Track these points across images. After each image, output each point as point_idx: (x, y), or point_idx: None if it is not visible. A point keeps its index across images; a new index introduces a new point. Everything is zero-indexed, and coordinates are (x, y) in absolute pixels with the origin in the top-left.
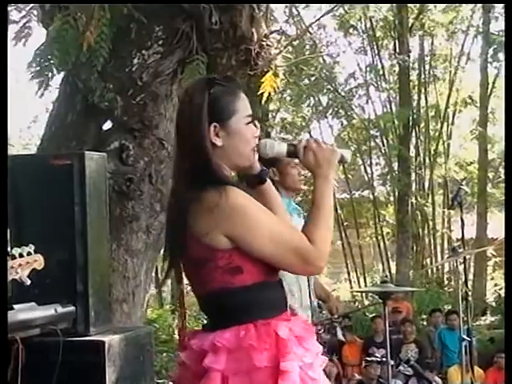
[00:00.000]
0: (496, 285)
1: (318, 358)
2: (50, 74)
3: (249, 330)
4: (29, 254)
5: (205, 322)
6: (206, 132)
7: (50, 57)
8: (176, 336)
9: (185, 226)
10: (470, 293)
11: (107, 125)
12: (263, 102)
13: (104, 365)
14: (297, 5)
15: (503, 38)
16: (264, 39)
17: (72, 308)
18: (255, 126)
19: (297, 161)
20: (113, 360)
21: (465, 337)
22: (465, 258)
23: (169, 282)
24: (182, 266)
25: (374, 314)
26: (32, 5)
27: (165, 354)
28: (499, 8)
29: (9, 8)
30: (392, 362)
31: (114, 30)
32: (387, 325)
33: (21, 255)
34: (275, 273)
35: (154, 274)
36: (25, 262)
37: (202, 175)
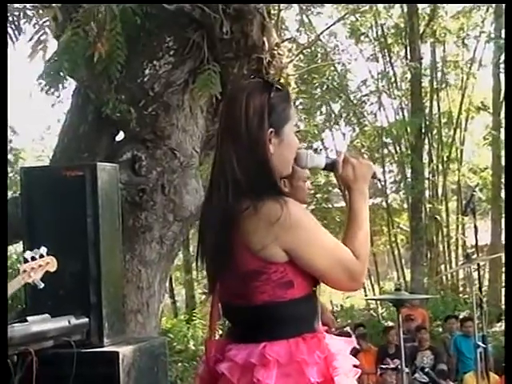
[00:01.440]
0: None
1: (353, 369)
2: (60, 85)
3: (298, 344)
4: (41, 256)
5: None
6: (267, 138)
7: (59, 68)
8: (191, 346)
9: (233, 237)
10: (484, 299)
11: (119, 136)
12: None
13: (118, 376)
14: (308, 13)
15: None
16: (275, 48)
17: (86, 320)
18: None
19: (308, 174)
20: (127, 371)
21: (480, 343)
22: (479, 264)
23: (183, 291)
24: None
25: (388, 323)
26: (46, 18)
27: (180, 364)
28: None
29: (21, 21)
30: (407, 370)
31: (125, 41)
32: (401, 332)
33: (33, 258)
34: (315, 285)
35: (167, 284)
36: (37, 265)
37: (259, 185)
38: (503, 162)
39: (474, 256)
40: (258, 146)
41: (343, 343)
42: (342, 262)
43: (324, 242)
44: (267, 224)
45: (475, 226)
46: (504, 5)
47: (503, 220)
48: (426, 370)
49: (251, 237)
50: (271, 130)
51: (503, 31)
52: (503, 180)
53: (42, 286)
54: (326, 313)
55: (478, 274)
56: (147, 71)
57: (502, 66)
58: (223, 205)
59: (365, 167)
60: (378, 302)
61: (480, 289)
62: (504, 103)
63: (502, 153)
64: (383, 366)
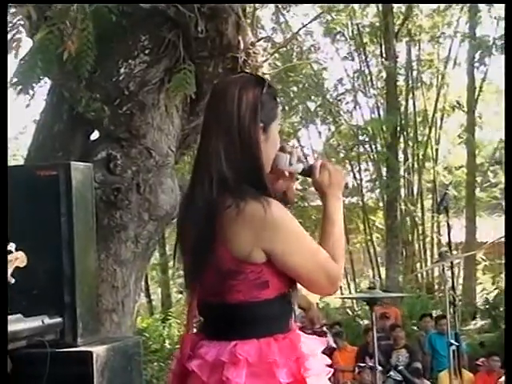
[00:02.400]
0: (485, 289)
1: (326, 369)
2: (34, 84)
3: (269, 344)
4: (9, 252)
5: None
6: (259, 133)
7: (33, 67)
8: (166, 345)
9: (215, 235)
10: (457, 297)
11: (94, 135)
12: None
13: (92, 376)
14: (284, 12)
15: (490, 43)
16: (250, 47)
17: (59, 319)
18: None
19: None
20: (101, 371)
21: (453, 341)
22: (452, 262)
23: (158, 290)
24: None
25: (363, 322)
26: (19, 17)
27: (155, 364)
28: (485, 12)
29: None
30: (380, 368)
31: (99, 40)
32: (375, 330)
33: None
34: (291, 286)
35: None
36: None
37: (248, 183)
38: (478, 161)
39: (448, 254)
40: (250, 142)
41: (316, 343)
42: (322, 265)
43: (304, 244)
44: (248, 224)
45: (448, 225)
46: (503, 5)
47: (477, 218)
48: (400, 368)
49: (232, 236)
50: (261, 125)
51: (477, 30)
52: (478, 179)
53: (13, 282)
54: (312, 309)
55: (452, 272)
56: (122, 70)
57: (477, 64)
58: (207, 201)
59: (339, 174)
60: (354, 301)
61: (453, 287)
62: (504, 103)
63: (477, 151)
64: (361, 365)
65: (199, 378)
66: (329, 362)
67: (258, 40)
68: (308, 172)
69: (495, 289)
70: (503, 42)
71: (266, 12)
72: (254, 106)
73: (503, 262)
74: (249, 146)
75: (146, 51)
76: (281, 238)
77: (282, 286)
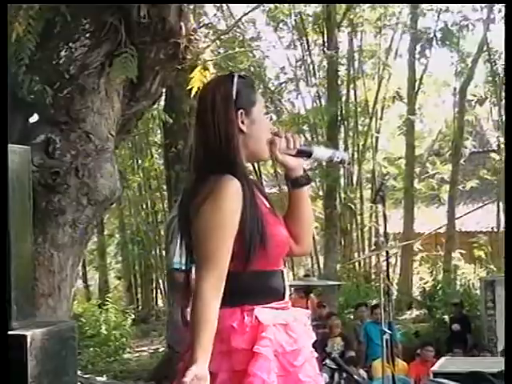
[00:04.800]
0: (421, 279)
1: (305, 347)
2: None
3: (235, 314)
4: None
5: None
6: (234, 117)
7: None
8: (103, 330)
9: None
10: (392, 287)
11: (33, 118)
12: (192, 96)
13: (26, 359)
14: None
15: (430, 35)
16: (192, 33)
17: None
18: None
19: None
20: (35, 354)
21: (386, 330)
22: (387, 252)
23: (96, 275)
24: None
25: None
26: None
27: (91, 349)
28: (426, 4)
29: None
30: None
31: (41, 23)
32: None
33: None
34: (275, 262)
35: (80, 268)
36: None
37: (220, 162)
38: (417, 152)
39: (384, 244)
40: (225, 124)
41: (295, 321)
42: (213, 265)
43: (213, 236)
44: (201, 198)
45: (384, 215)
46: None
47: (415, 209)
48: (333, 355)
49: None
50: (241, 111)
51: (419, 22)
52: (416, 170)
53: None
54: None
55: (387, 261)
56: (63, 53)
57: (418, 56)
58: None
59: None
60: (293, 289)
61: (388, 276)
62: (504, 102)
63: (416, 142)
64: None
65: None
66: (311, 340)
67: (200, 26)
68: (307, 154)
69: (433, 280)
70: (443, 34)
71: None
72: (225, 95)
73: (440, 253)
74: (225, 128)
75: (87, 35)
76: (203, 219)
77: (253, 260)
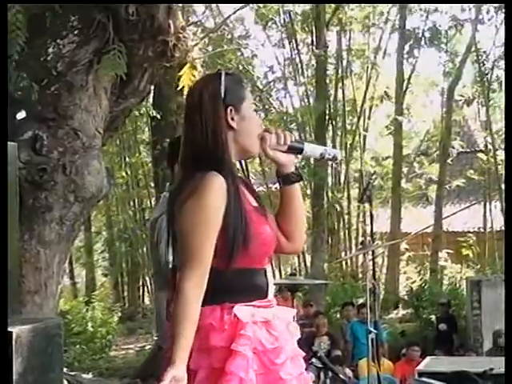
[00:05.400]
0: (408, 279)
1: (287, 345)
2: None
3: (214, 311)
4: None
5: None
6: (222, 114)
7: None
8: (89, 328)
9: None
10: (378, 286)
11: (21, 114)
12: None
13: (11, 356)
14: None
15: (419, 35)
16: (181, 31)
17: None
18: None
19: None
20: (20, 351)
21: (371, 329)
22: (373, 251)
23: (83, 273)
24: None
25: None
26: None
27: (78, 346)
28: (415, 4)
29: None
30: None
31: (29, 19)
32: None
33: None
34: (259, 261)
35: (67, 265)
36: None
37: (206, 157)
38: (404, 152)
39: (370, 243)
40: (213, 122)
41: (277, 319)
42: (197, 263)
43: (197, 232)
44: (185, 195)
45: (371, 214)
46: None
47: (403, 209)
48: (319, 354)
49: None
50: (230, 108)
51: (408, 22)
52: (404, 169)
53: None
54: None
55: (373, 261)
56: (50, 50)
57: (406, 56)
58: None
59: None
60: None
61: (374, 276)
62: (504, 102)
63: (404, 142)
64: None
65: None
66: (295, 338)
67: (189, 24)
68: (297, 150)
69: (420, 279)
70: (431, 34)
71: None
72: (213, 93)
73: (427, 252)
74: (211, 125)
75: (76, 32)
76: (187, 216)
77: (235, 258)
